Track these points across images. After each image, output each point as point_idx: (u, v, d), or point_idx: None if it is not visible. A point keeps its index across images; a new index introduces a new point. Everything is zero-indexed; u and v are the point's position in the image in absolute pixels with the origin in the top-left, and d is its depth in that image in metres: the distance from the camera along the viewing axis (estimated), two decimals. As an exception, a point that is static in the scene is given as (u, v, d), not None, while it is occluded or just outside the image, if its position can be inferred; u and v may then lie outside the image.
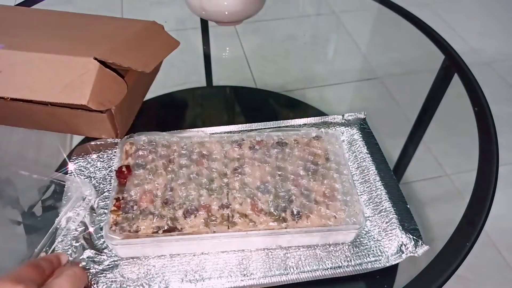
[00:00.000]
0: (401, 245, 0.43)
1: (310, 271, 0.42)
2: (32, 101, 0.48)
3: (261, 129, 0.54)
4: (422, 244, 0.43)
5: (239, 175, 0.46)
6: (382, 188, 0.48)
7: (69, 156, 0.52)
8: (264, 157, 0.48)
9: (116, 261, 0.42)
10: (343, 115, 0.56)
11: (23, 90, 0.46)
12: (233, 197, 0.44)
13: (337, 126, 0.56)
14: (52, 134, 0.57)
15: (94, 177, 0.50)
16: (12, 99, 0.47)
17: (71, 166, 0.50)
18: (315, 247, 0.43)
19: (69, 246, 0.43)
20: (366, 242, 0.44)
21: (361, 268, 0.42)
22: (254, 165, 0.47)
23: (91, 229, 0.45)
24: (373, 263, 0.43)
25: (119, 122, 0.51)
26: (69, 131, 0.55)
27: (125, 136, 0.50)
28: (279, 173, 0.46)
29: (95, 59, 0.45)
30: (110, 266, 0.42)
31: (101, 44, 0.50)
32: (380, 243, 0.44)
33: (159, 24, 0.60)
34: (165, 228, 0.41)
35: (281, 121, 0.55)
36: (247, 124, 0.55)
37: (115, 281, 0.41)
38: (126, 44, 0.52)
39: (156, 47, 0.56)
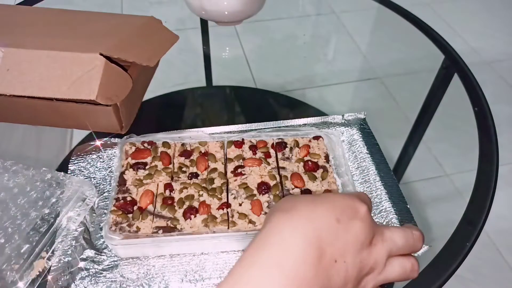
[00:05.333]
0: (401, 245, 0.43)
1: (310, 271, 0.42)
2: (35, 97, 0.48)
3: (261, 129, 0.54)
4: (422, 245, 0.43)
5: (239, 175, 0.46)
6: (382, 188, 0.48)
7: (69, 156, 0.52)
8: (265, 157, 0.48)
9: (116, 261, 0.42)
10: (343, 115, 0.56)
11: (31, 87, 0.46)
12: (233, 197, 0.44)
13: (337, 126, 0.56)
14: (52, 134, 0.57)
15: (94, 177, 0.50)
16: (14, 96, 0.48)
17: (71, 166, 0.50)
18: (315, 247, 0.43)
19: (69, 246, 0.43)
20: (366, 242, 0.44)
21: (361, 268, 0.42)
22: (254, 165, 0.47)
23: (91, 229, 0.45)
24: (373, 263, 0.43)
25: (124, 115, 0.52)
26: (74, 126, 0.55)
27: (125, 136, 0.50)
28: (281, 173, 0.46)
29: (101, 54, 0.46)
30: (110, 266, 0.42)
31: (104, 40, 0.50)
32: (380, 243, 0.44)
33: (157, 19, 0.61)
34: (165, 228, 0.41)
35: (281, 121, 0.55)
36: (247, 124, 0.55)
37: (115, 281, 0.41)
38: (129, 39, 0.52)
39: (157, 41, 0.57)
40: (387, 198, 0.47)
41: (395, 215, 0.46)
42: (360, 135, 0.54)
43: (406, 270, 0.33)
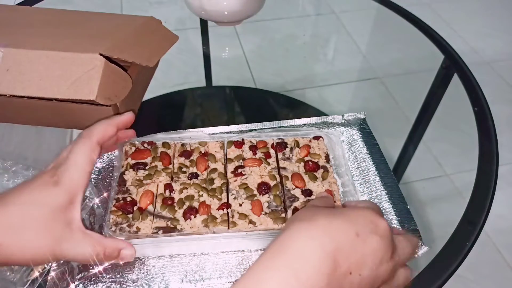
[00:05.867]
0: (401, 245, 0.43)
1: (310, 271, 0.42)
2: (35, 97, 0.48)
3: (260, 129, 0.54)
4: (422, 245, 0.43)
5: (239, 176, 0.46)
6: (382, 189, 0.48)
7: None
8: (265, 157, 0.48)
9: (115, 262, 0.42)
10: (342, 115, 0.56)
11: (30, 87, 0.46)
12: (233, 198, 0.44)
13: (337, 126, 0.56)
14: (52, 134, 0.57)
15: (94, 177, 0.50)
16: (14, 96, 0.48)
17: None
18: (315, 247, 0.43)
19: (69, 247, 0.42)
20: (366, 242, 0.44)
21: (361, 268, 0.42)
22: (254, 165, 0.47)
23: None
24: (373, 263, 0.42)
25: None
26: (74, 126, 0.55)
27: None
28: (282, 173, 0.46)
29: (101, 54, 0.46)
30: (110, 266, 0.42)
31: (104, 41, 0.50)
32: (380, 243, 0.44)
33: (157, 19, 0.61)
34: (165, 228, 0.41)
35: (281, 121, 0.55)
36: (247, 124, 0.55)
37: (115, 281, 0.41)
38: (128, 40, 0.52)
39: (156, 41, 0.57)
40: (387, 198, 0.47)
41: (395, 216, 0.46)
42: (360, 135, 0.54)
43: (407, 279, 0.34)
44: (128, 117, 0.44)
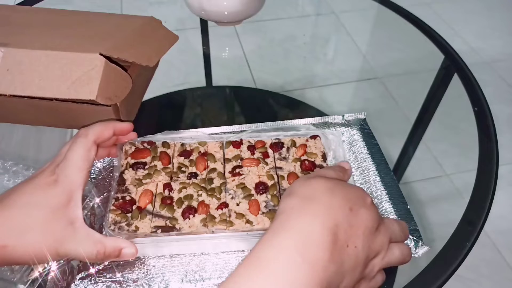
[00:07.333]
0: (401, 245, 0.43)
1: (310, 271, 0.42)
2: (35, 97, 0.48)
3: (260, 129, 0.54)
4: (422, 245, 0.43)
5: (237, 175, 0.46)
6: (383, 189, 0.48)
7: (69, 156, 0.52)
8: (263, 157, 0.48)
9: (116, 261, 0.42)
10: (343, 116, 0.56)
11: (31, 87, 0.46)
12: (231, 197, 0.44)
13: (337, 127, 0.56)
14: (52, 134, 0.57)
15: (94, 177, 0.50)
16: (14, 96, 0.48)
17: (70, 166, 0.50)
18: (315, 247, 0.43)
19: (68, 246, 0.42)
20: (366, 242, 0.44)
21: (360, 268, 0.42)
22: (252, 165, 0.47)
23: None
24: (372, 263, 0.42)
25: (124, 115, 0.52)
26: (74, 126, 0.55)
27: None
28: (278, 173, 0.46)
29: (101, 54, 0.46)
30: (109, 266, 0.42)
31: (104, 40, 0.50)
32: (379, 243, 0.44)
33: (157, 19, 0.61)
34: (164, 227, 0.41)
35: (281, 121, 0.55)
36: (247, 124, 0.55)
37: (115, 281, 0.41)
38: (129, 40, 0.52)
39: (157, 41, 0.57)
40: (387, 198, 0.47)
41: (395, 216, 0.45)
42: (360, 136, 0.54)
43: (404, 254, 0.36)
44: (127, 125, 0.45)
